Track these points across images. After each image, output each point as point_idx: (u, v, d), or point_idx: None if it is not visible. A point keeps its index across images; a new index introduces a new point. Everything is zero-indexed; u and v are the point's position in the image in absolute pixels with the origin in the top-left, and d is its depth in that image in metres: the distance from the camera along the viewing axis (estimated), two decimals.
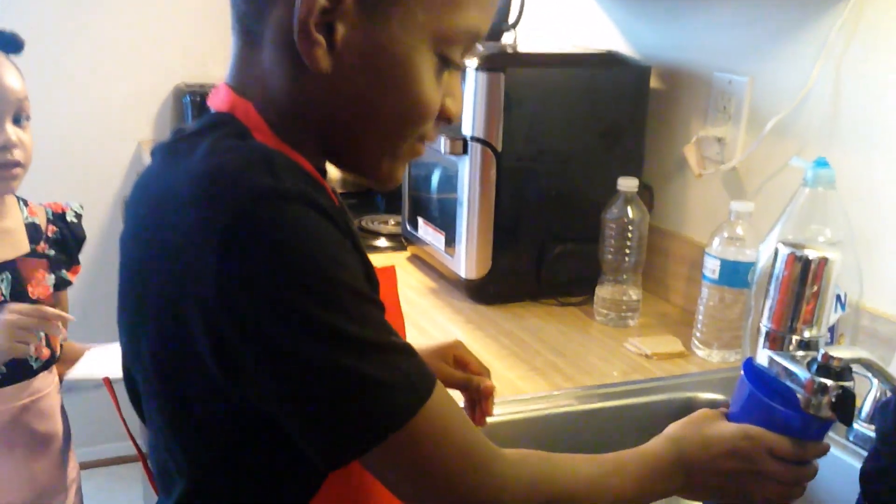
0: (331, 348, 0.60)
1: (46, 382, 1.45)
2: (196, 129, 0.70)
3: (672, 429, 0.79)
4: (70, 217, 1.53)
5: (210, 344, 0.62)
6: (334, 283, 0.61)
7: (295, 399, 0.61)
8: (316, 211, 0.62)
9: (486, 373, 0.96)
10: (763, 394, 0.81)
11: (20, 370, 1.39)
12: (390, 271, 0.86)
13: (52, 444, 1.46)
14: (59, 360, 1.47)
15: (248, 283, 0.59)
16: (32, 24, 2.44)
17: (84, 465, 1.64)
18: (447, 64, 0.70)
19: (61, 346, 1.47)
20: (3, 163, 1.36)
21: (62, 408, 1.51)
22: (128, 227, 0.72)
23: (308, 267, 0.60)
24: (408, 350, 0.65)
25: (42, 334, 1.41)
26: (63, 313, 1.35)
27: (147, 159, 2.56)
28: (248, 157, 0.63)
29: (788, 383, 0.79)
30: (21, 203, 1.48)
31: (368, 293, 0.64)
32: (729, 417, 0.82)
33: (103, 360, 1.43)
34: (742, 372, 0.83)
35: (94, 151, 2.69)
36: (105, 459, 2.71)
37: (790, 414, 0.80)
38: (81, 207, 1.57)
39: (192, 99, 2.55)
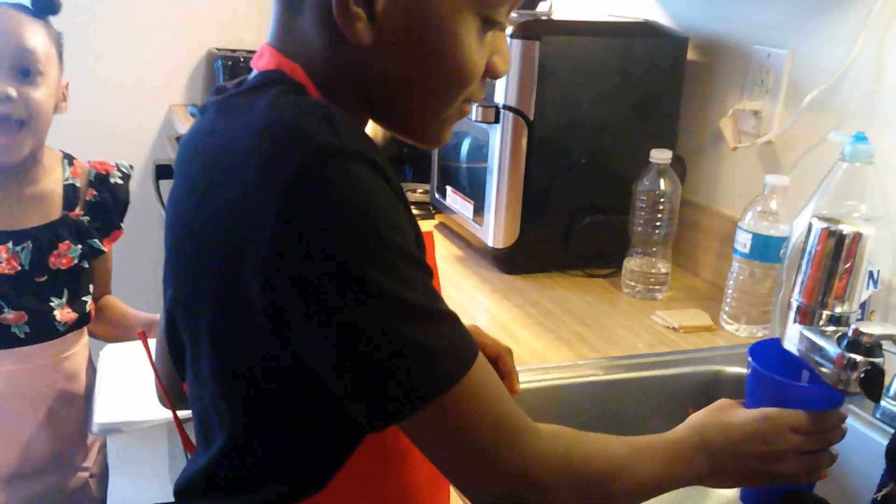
0: (382, 311, 0.60)
1: (74, 342, 1.41)
2: (251, 85, 0.70)
3: (693, 417, 0.80)
4: (115, 179, 1.44)
5: (263, 297, 0.62)
6: (390, 245, 0.61)
7: (342, 359, 0.62)
8: (375, 171, 0.62)
9: (504, 352, 0.93)
10: (772, 372, 0.81)
11: (46, 331, 1.34)
12: (429, 236, 0.86)
13: (76, 402, 1.42)
14: (92, 319, 1.43)
15: (305, 239, 0.60)
16: None
17: None
18: (491, 24, 0.70)
19: (93, 306, 1.42)
20: None
21: (90, 365, 1.48)
22: (178, 184, 0.72)
23: (366, 228, 0.60)
24: (453, 318, 0.65)
25: (64, 300, 1.35)
26: None
27: (178, 123, 2.57)
28: (310, 112, 0.63)
29: (817, 358, 0.79)
30: (65, 162, 1.41)
31: (420, 258, 0.64)
32: (746, 406, 0.82)
33: (122, 386, 1.38)
34: (749, 358, 0.84)
35: (126, 115, 2.71)
36: None
37: (802, 387, 0.81)
38: (131, 168, 1.48)
39: (223, 63, 2.56)
